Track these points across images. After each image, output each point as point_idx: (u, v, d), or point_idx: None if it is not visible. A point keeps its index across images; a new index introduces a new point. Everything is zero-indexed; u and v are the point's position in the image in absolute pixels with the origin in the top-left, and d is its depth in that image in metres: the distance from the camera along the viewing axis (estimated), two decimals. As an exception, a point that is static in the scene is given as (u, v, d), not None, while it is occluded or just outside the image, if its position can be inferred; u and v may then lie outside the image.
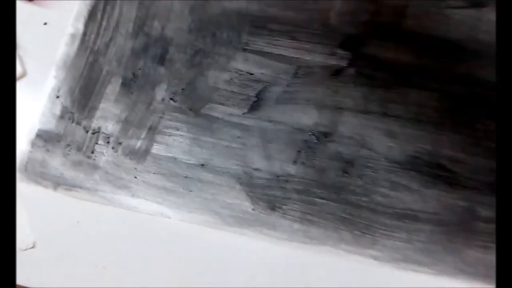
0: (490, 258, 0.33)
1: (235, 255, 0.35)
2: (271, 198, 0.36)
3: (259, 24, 0.40)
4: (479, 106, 0.37)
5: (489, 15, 0.39)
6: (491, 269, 0.33)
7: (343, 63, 0.39)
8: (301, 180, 0.36)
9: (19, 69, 0.41)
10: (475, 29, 0.39)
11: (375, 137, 0.37)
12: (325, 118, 0.38)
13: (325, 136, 0.37)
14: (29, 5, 0.43)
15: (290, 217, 0.36)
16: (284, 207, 0.36)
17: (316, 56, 0.39)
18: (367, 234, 0.35)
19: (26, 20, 0.42)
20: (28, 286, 0.35)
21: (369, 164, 0.36)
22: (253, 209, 0.36)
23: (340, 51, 0.39)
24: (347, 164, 0.36)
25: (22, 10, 0.43)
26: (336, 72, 0.39)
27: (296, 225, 0.35)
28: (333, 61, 0.39)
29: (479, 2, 0.39)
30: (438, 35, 0.39)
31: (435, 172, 0.36)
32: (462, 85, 0.37)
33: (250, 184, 0.36)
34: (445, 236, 0.34)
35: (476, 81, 0.38)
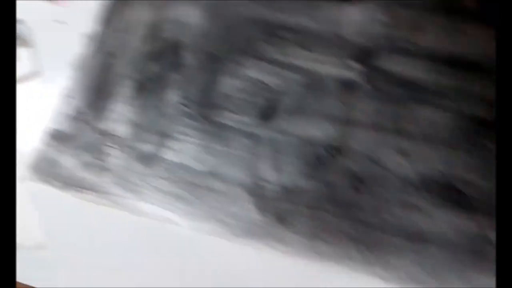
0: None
1: (240, 265, 0.35)
2: (280, 210, 0.36)
3: (274, 33, 0.40)
4: (493, 127, 0.36)
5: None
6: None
7: (357, 76, 0.39)
8: (311, 194, 0.36)
9: (34, 68, 0.41)
10: (492, 48, 0.38)
11: (387, 155, 0.36)
12: (336, 132, 0.37)
13: (336, 150, 0.37)
14: (47, 4, 0.43)
15: (298, 230, 0.35)
16: (292, 220, 0.35)
17: (329, 68, 0.39)
18: (375, 252, 0.34)
19: (44, 19, 0.42)
20: (35, 286, 0.35)
21: (380, 182, 0.35)
22: (260, 221, 0.35)
23: (354, 64, 0.39)
24: (358, 181, 0.36)
25: (40, 9, 0.42)
26: (349, 85, 0.39)
27: (304, 239, 0.35)
28: (346, 74, 0.39)
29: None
30: (454, 52, 0.38)
31: (446, 193, 0.35)
32: (477, 105, 0.37)
33: (259, 195, 0.36)
34: (454, 259, 0.33)
35: (491, 101, 0.37)
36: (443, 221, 0.34)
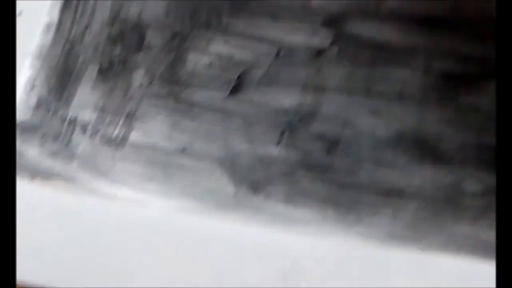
0: (476, 232, 0.34)
1: (218, 240, 0.36)
2: (254, 180, 0.36)
3: (240, 5, 0.41)
4: (463, 81, 0.37)
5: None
6: (477, 243, 0.34)
7: (326, 43, 0.39)
8: (285, 161, 0.37)
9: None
10: (458, 4, 0.40)
11: (359, 116, 0.37)
12: (308, 98, 0.38)
13: (308, 116, 0.38)
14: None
15: (274, 199, 0.36)
16: (267, 189, 0.36)
17: (298, 36, 0.40)
18: (352, 212, 0.35)
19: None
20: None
21: (353, 143, 0.37)
22: (235, 193, 0.36)
23: (322, 31, 0.40)
24: (331, 144, 0.37)
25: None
26: (319, 52, 0.39)
27: (280, 207, 0.36)
28: (315, 41, 0.40)
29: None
30: (420, 11, 0.39)
31: (420, 148, 0.36)
32: (446, 60, 0.38)
33: (232, 168, 0.37)
34: (431, 212, 0.35)
35: (459, 56, 0.38)
36: (418, 176, 0.36)
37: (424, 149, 0.36)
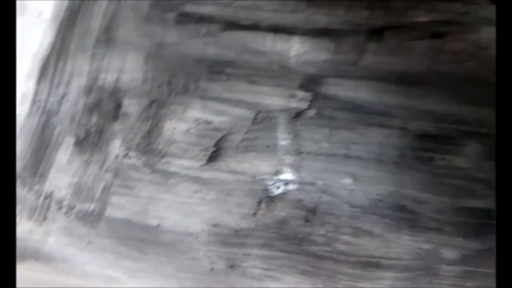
0: (456, 302, 0.35)
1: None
2: (231, 255, 0.38)
3: (217, 70, 0.43)
4: (441, 142, 0.39)
5: (450, 45, 0.42)
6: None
7: (304, 105, 0.41)
8: (262, 233, 0.38)
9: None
10: (436, 61, 0.42)
11: (337, 181, 0.39)
12: (286, 164, 0.40)
13: (286, 184, 0.40)
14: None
15: (250, 274, 0.37)
16: (244, 264, 0.37)
17: (276, 100, 0.42)
18: (329, 285, 0.36)
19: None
20: None
21: (331, 211, 0.38)
22: (211, 269, 0.38)
23: (300, 93, 0.42)
24: (309, 212, 0.38)
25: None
26: (297, 115, 0.41)
27: (256, 283, 0.37)
28: (293, 104, 0.41)
29: (439, 32, 0.42)
30: (398, 69, 0.41)
31: (397, 214, 0.37)
32: (422, 120, 0.40)
33: (208, 242, 0.38)
34: (409, 283, 0.36)
35: (438, 116, 0.40)
36: (396, 244, 0.37)
37: (401, 215, 0.38)
